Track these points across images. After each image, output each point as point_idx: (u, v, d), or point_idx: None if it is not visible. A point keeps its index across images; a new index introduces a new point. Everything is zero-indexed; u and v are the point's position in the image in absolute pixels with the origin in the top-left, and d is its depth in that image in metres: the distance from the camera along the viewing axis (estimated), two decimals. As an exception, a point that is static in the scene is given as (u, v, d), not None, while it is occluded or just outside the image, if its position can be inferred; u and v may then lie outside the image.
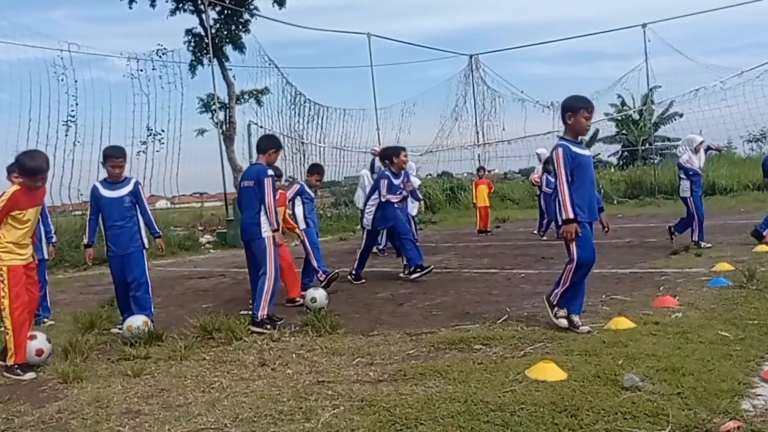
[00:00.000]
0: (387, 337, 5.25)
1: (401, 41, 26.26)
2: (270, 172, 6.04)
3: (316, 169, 8.35)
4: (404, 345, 4.96)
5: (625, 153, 32.99)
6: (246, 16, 20.12)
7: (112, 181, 5.97)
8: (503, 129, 26.06)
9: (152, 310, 6.13)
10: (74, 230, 13.46)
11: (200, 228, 17.92)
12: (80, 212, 16.09)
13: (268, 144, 6.24)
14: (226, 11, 19.82)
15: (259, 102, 21.09)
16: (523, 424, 3.17)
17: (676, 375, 3.71)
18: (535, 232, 14.00)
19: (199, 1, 18.46)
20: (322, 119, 21.26)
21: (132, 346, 5.28)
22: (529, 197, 23.13)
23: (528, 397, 3.51)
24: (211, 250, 15.05)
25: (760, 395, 3.38)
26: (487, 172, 16.32)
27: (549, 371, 3.85)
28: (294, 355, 4.82)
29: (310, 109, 20.91)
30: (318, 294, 6.60)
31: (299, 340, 5.31)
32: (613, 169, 28.70)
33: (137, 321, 5.66)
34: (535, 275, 8.13)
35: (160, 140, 16.83)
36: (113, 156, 5.96)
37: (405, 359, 4.55)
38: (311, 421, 3.41)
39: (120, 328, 5.85)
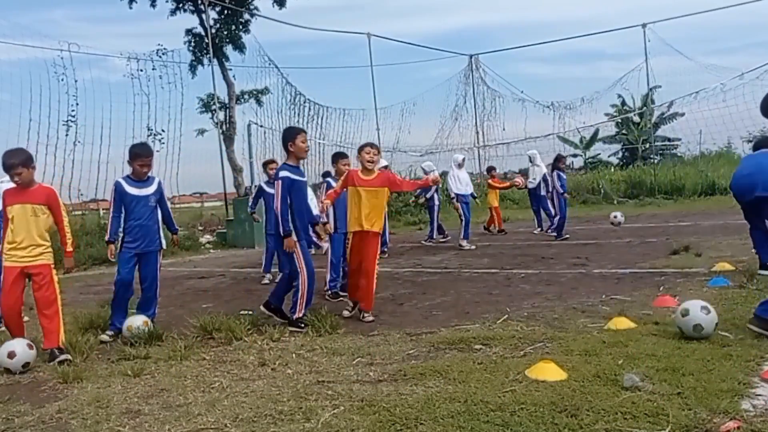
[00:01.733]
0: (387, 337, 5.25)
1: (401, 41, 26.26)
2: (282, 173, 5.78)
3: (339, 157, 7.78)
4: (404, 345, 4.96)
5: (625, 153, 33.00)
6: (246, 16, 20.12)
7: (137, 179, 5.94)
8: (503, 129, 26.10)
9: (156, 311, 6.14)
10: (74, 230, 13.44)
11: (200, 228, 17.92)
12: (80, 212, 16.12)
13: (285, 137, 5.96)
14: (226, 11, 19.82)
15: (259, 102, 21.09)
16: (523, 424, 3.17)
17: (676, 375, 3.71)
18: (536, 231, 13.99)
19: (199, 1, 18.46)
20: (322, 119, 21.28)
21: (132, 346, 5.28)
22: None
23: (528, 397, 3.51)
24: (211, 250, 15.05)
25: (760, 395, 3.38)
26: (495, 172, 16.16)
27: (549, 371, 3.85)
28: (294, 355, 4.82)
29: (309, 109, 20.94)
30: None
31: (299, 340, 5.31)
32: (613, 169, 28.70)
33: (137, 321, 5.67)
34: (535, 275, 8.13)
35: (160, 140, 16.86)
36: (143, 155, 5.95)
37: (405, 359, 4.55)
38: (311, 421, 3.41)
39: (110, 334, 5.80)
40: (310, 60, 72.97)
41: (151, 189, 5.96)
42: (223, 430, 3.43)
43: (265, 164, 9.27)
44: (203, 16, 18.96)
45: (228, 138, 19.81)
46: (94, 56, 16.93)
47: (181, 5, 19.69)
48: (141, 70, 16.74)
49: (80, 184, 14.74)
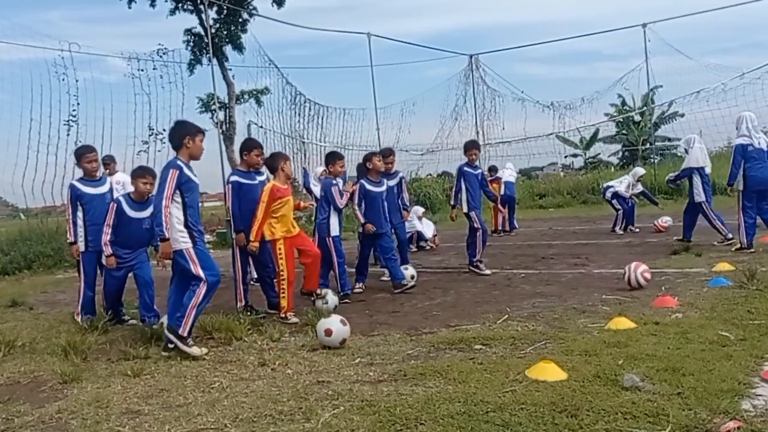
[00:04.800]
0: (387, 337, 5.25)
1: (401, 41, 26.14)
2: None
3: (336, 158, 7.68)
4: (404, 345, 4.96)
5: (626, 153, 32.97)
6: (245, 15, 20.09)
7: (137, 201, 6.23)
8: (503, 128, 26.06)
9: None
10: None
11: (200, 228, 17.91)
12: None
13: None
14: (224, 11, 19.79)
15: (258, 102, 21.07)
16: (523, 424, 3.17)
17: (676, 375, 3.71)
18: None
19: (198, 1, 18.43)
20: (323, 119, 21.22)
21: (132, 346, 5.28)
22: (528, 197, 23.11)
23: (528, 397, 3.51)
24: (211, 250, 15.02)
25: (760, 395, 3.38)
26: (496, 172, 15.72)
27: (549, 371, 3.85)
28: (294, 355, 4.82)
29: (310, 108, 20.87)
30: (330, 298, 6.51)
31: (299, 340, 5.31)
32: (613, 169, 28.68)
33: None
34: (535, 275, 8.13)
35: (162, 140, 16.82)
36: (145, 173, 6.29)
37: (405, 359, 4.55)
38: (311, 421, 3.41)
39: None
40: (310, 60, 73.07)
41: (148, 212, 6.22)
42: (223, 430, 3.43)
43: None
44: (202, 15, 18.95)
45: (228, 138, 19.78)
46: (94, 56, 16.91)
47: (180, 5, 19.67)
48: (141, 70, 16.71)
49: (82, 184, 14.71)
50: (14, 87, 14.30)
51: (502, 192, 14.39)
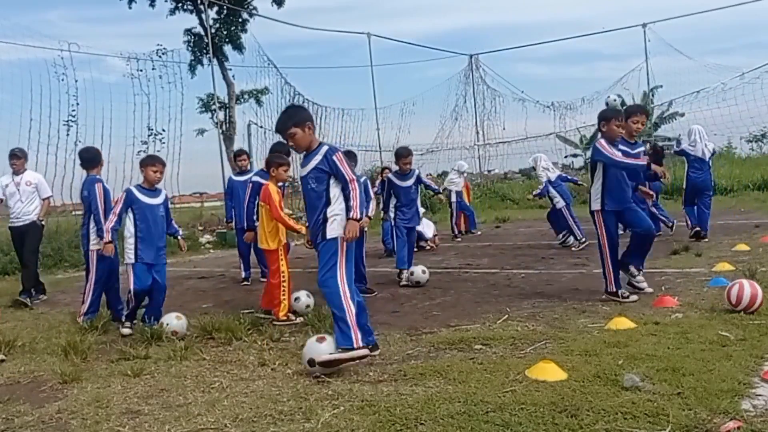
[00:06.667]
0: (387, 337, 5.24)
1: (401, 41, 26.24)
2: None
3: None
4: (404, 345, 4.96)
5: (625, 153, 32.96)
6: (245, 15, 20.10)
7: (148, 188, 6.17)
8: (503, 128, 26.09)
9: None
10: (74, 230, 13.44)
11: (200, 228, 17.90)
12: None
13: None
14: (224, 11, 19.81)
15: (258, 102, 21.09)
16: (523, 424, 3.17)
17: (676, 375, 3.71)
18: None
19: (199, 1, 18.45)
20: (321, 119, 21.23)
21: (132, 346, 5.28)
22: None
23: (528, 397, 3.51)
24: (211, 250, 15.05)
25: (760, 395, 3.38)
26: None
27: (549, 371, 3.85)
28: (294, 355, 4.82)
29: (309, 108, 20.90)
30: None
31: (299, 340, 5.30)
32: (612, 169, 28.67)
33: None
34: (535, 275, 8.13)
35: (161, 140, 16.82)
36: (158, 162, 6.23)
37: (405, 359, 4.55)
38: (311, 421, 3.41)
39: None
40: (309, 60, 72.99)
41: (160, 198, 6.26)
42: (223, 430, 3.43)
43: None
44: (202, 15, 18.96)
45: (228, 138, 19.80)
46: (94, 56, 16.91)
47: (180, 5, 19.69)
48: (141, 70, 16.69)
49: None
50: (14, 87, 14.32)
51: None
